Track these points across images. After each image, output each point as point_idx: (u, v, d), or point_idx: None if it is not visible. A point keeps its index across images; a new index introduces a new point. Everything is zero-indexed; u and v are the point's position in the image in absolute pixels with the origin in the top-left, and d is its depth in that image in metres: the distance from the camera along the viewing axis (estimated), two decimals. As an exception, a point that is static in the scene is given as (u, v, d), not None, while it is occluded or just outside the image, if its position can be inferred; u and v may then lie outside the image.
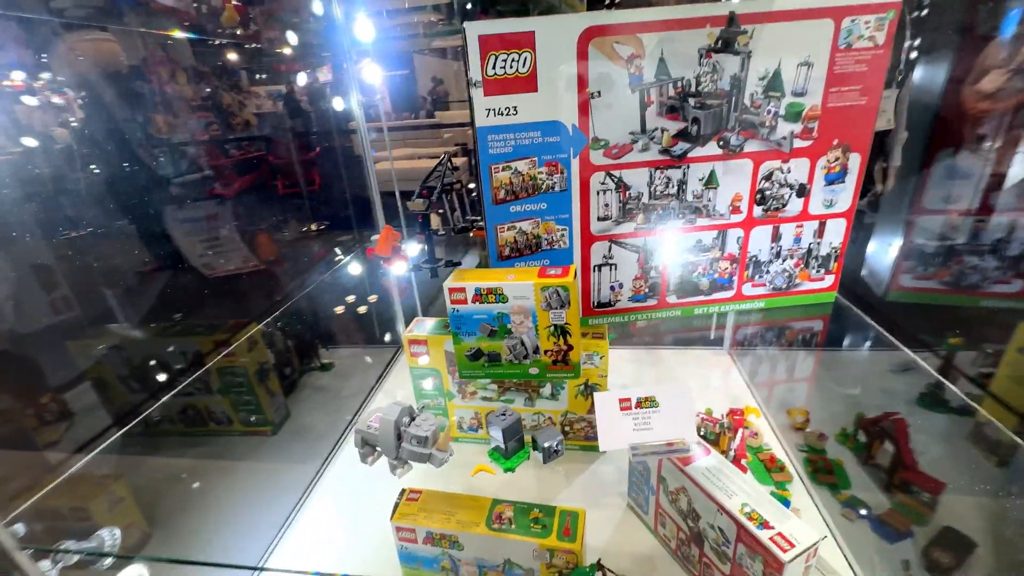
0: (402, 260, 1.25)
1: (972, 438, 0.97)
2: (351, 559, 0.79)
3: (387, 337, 1.56)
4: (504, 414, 0.65)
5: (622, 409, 0.65)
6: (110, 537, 0.64)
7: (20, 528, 0.57)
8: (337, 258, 1.90)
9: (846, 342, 1.25)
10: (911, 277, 1.24)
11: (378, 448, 0.69)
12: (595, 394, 0.66)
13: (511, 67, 0.76)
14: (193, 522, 0.97)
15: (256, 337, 1.31)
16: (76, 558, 0.60)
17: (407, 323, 1.03)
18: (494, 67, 0.76)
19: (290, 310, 1.48)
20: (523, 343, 0.76)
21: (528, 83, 0.77)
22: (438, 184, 1.18)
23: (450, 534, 0.67)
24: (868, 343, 1.18)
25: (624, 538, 0.77)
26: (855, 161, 0.86)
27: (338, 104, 1.28)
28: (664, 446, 0.64)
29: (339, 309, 1.65)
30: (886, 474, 0.94)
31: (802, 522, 0.54)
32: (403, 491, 0.73)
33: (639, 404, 0.65)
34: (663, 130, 0.82)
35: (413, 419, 0.63)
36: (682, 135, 0.82)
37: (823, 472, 0.95)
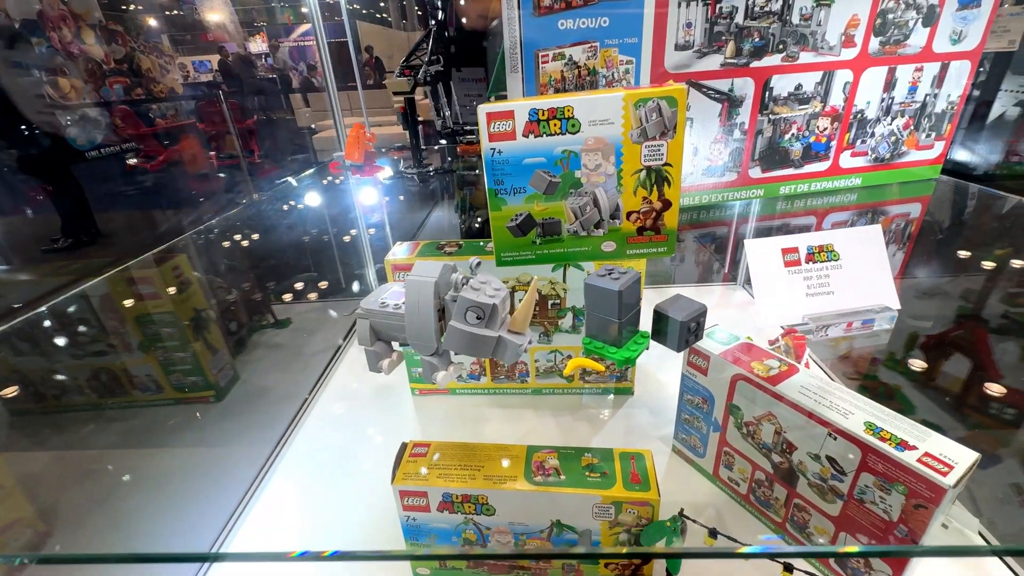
0: (378, 169, 0.96)
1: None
2: (331, 545, 0.56)
3: (355, 287, 1.27)
4: (612, 271, 0.40)
5: (787, 264, 0.42)
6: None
7: None
8: (280, 181, 1.57)
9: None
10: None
11: (398, 344, 0.43)
12: (746, 242, 0.42)
13: None
14: (115, 516, 0.69)
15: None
16: None
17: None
18: None
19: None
20: (596, 202, 0.52)
21: None
22: (423, 65, 0.90)
23: (477, 494, 0.48)
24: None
25: (675, 487, 0.61)
26: (996, -25, 0.66)
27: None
28: (850, 314, 0.42)
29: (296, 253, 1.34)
30: (958, 394, 0.80)
31: (945, 437, 0.40)
32: (404, 444, 0.51)
33: (811, 257, 0.42)
34: (774, -95, 0.58)
35: (467, 283, 0.38)
36: (796, -82, 0.59)
37: (882, 398, 0.83)
